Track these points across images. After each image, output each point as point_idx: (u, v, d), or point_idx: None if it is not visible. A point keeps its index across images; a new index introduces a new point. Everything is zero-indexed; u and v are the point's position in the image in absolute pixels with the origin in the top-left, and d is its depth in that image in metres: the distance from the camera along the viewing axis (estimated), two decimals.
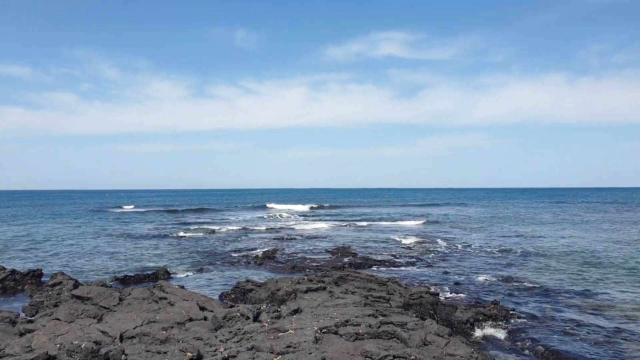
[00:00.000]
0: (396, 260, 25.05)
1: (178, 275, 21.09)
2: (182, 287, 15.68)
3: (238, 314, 11.12)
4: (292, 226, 48.42)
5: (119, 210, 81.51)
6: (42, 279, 18.72)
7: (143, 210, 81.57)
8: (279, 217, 64.25)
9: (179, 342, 9.72)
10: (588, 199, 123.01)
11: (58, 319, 10.97)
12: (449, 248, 29.97)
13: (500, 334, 12.48)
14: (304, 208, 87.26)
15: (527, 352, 11.19)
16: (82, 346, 8.58)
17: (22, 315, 13.21)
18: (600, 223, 47.42)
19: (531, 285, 18.51)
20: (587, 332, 12.51)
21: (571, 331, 12.63)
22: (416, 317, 12.21)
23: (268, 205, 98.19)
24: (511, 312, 13.88)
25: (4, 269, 18.48)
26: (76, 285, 16.59)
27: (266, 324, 10.51)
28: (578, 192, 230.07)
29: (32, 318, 12.11)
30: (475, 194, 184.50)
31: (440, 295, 16.17)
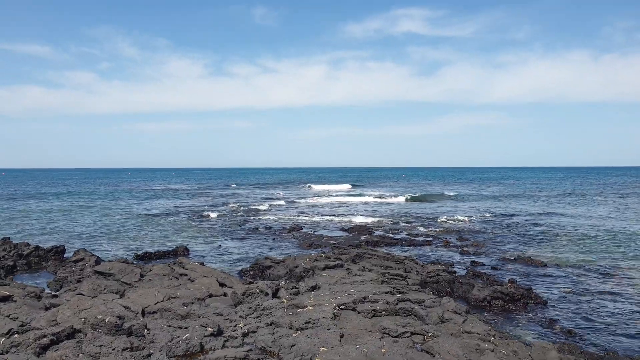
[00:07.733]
0: (413, 238, 25.02)
1: (197, 252, 21.40)
2: (202, 263, 15.93)
3: (257, 290, 11.26)
4: (310, 205, 48.61)
5: (138, 188, 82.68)
6: (64, 255, 19.16)
7: (162, 188, 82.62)
8: (296, 195, 64.48)
9: (199, 317, 9.90)
10: (613, 177, 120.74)
11: (82, 294, 11.24)
12: (466, 227, 29.80)
13: (518, 313, 12.45)
14: (321, 186, 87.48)
15: (545, 331, 11.14)
16: (106, 320, 8.79)
17: (47, 290, 13.58)
18: (626, 203, 46.59)
19: (551, 265, 18.35)
20: (609, 313, 12.37)
21: (592, 312, 12.51)
22: (433, 294, 12.22)
23: (285, 184, 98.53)
24: (529, 291, 13.80)
25: (28, 245, 18.94)
26: (98, 261, 16.95)
27: (285, 300, 10.63)
28: (602, 170, 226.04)
29: (57, 293, 12.44)
30: (494, 173, 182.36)
31: (457, 273, 16.14)
